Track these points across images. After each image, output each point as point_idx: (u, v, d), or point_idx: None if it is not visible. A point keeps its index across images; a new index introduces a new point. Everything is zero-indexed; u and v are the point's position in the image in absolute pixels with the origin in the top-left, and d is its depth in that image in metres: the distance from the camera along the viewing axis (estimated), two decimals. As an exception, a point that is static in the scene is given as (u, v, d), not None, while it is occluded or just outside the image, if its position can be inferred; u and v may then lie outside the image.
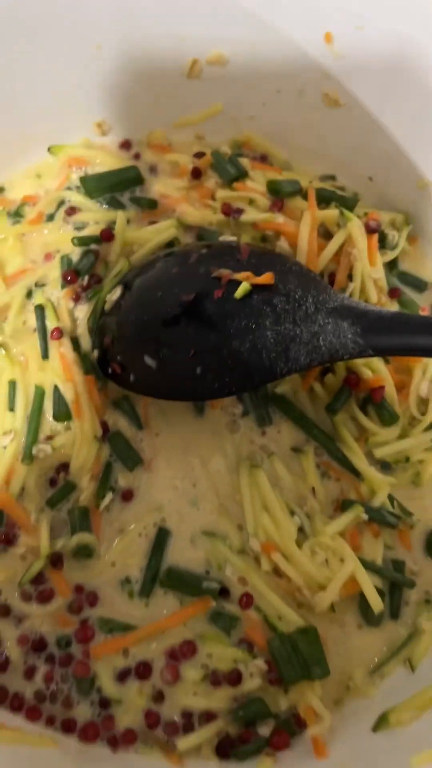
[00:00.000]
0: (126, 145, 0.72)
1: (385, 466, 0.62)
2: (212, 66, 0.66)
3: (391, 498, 0.60)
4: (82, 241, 0.64)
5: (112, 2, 0.60)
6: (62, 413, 0.59)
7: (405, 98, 0.62)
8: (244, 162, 0.68)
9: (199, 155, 0.70)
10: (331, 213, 0.64)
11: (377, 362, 0.62)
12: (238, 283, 0.55)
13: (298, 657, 0.54)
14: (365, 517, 0.58)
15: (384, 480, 0.60)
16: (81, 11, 0.60)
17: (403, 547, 0.61)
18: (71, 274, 0.63)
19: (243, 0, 0.60)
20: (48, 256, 0.66)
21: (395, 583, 0.59)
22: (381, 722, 0.50)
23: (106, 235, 0.64)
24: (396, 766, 0.43)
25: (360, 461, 0.61)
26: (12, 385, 0.60)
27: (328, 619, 0.57)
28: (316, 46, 0.61)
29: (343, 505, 0.60)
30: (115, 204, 0.68)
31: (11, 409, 0.59)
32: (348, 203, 0.67)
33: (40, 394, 0.60)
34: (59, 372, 0.60)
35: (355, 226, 0.63)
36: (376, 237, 0.65)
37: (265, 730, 0.53)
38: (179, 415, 0.62)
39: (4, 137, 0.66)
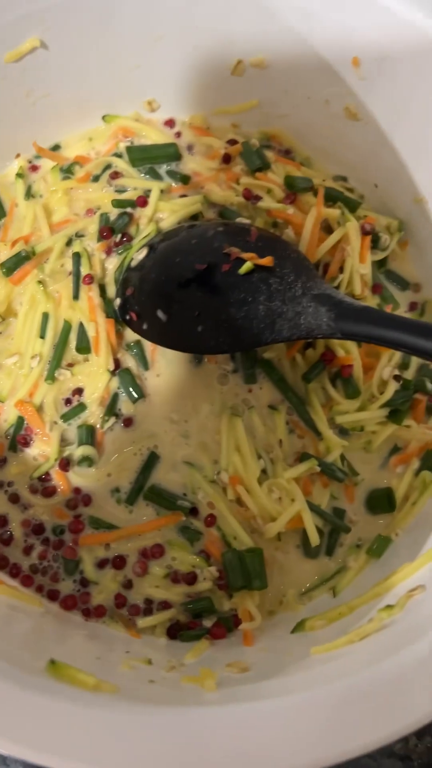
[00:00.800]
0: (170, 123, 0.82)
1: (342, 431, 0.73)
2: (254, 68, 0.75)
3: (342, 457, 0.72)
4: (119, 204, 0.75)
5: (178, 3, 0.69)
6: (83, 346, 0.71)
7: (414, 123, 0.72)
8: (269, 155, 0.78)
9: (232, 142, 0.80)
10: (335, 212, 0.75)
11: (351, 345, 0.73)
12: (243, 261, 0.66)
13: (243, 570, 0.66)
14: (318, 468, 0.70)
15: (339, 441, 0.71)
16: (151, 6, 0.69)
17: (347, 500, 0.73)
18: (107, 230, 0.74)
19: (288, 18, 0.69)
20: (89, 212, 0.76)
21: (334, 526, 0.71)
22: (297, 627, 0.63)
23: (141, 201, 0.75)
24: (300, 653, 0.55)
25: (322, 423, 0.72)
26: (45, 316, 0.71)
27: (274, 546, 0.69)
28: (344, 67, 0.71)
29: (301, 457, 0.71)
30: (153, 174, 0.78)
31: (42, 336, 0.71)
32: (352, 204, 0.77)
33: (67, 327, 0.71)
34: (86, 311, 0.71)
35: (352, 227, 0.74)
36: (369, 238, 0.75)
37: (208, 623, 0.66)
38: (180, 363, 0.73)
39: (67, 103, 0.76)
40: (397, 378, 0.74)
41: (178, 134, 0.82)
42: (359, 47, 0.69)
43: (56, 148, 0.80)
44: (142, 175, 0.78)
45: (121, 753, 0.43)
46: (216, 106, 0.80)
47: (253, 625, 0.64)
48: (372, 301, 0.76)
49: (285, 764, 0.43)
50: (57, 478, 0.69)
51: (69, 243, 0.74)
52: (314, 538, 0.67)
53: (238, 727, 0.45)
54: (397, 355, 0.75)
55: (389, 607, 0.56)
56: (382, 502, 0.72)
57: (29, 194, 0.77)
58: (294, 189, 0.76)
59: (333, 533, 0.71)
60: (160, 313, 0.69)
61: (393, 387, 0.73)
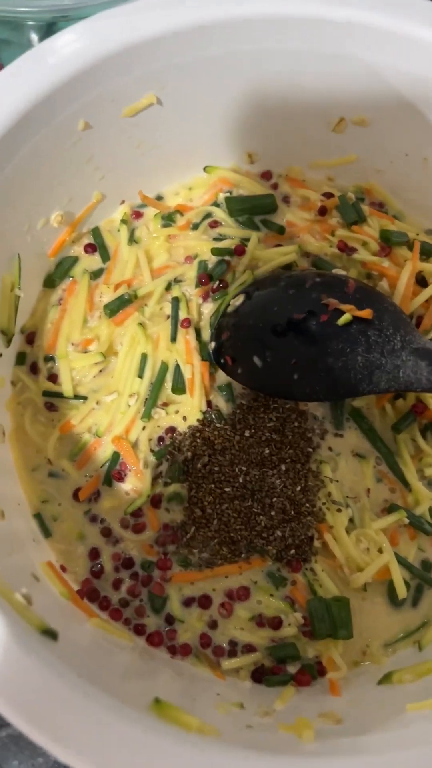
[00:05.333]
0: (267, 175, 0.85)
1: (431, 483, 0.74)
2: (355, 126, 0.78)
3: (431, 510, 0.72)
4: (218, 252, 0.78)
5: (287, 66, 0.72)
6: (179, 387, 0.73)
7: None
8: (365, 208, 0.81)
9: (328, 195, 0.82)
10: (430, 266, 0.76)
11: (444, 395, 0.73)
12: (341, 312, 0.67)
13: (329, 618, 0.66)
14: (406, 520, 0.70)
15: (428, 494, 0.72)
16: (262, 68, 0.72)
17: (434, 553, 0.73)
18: (205, 276, 0.77)
19: (392, 80, 0.71)
20: (188, 259, 0.79)
21: (422, 579, 0.70)
22: (385, 678, 0.62)
23: (239, 250, 0.77)
24: (394, 708, 0.55)
25: (411, 475, 0.72)
26: (143, 357, 0.74)
27: (361, 596, 0.69)
28: (445, 127, 0.73)
29: (389, 508, 0.72)
30: (250, 224, 0.81)
31: (140, 376, 0.74)
32: (449, 258, 0.79)
33: (164, 368, 0.74)
34: (182, 354, 0.74)
35: (448, 281, 0.75)
36: (462, 293, 0.76)
37: (292, 668, 0.66)
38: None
39: (173, 155, 0.79)
40: None
41: (275, 186, 0.85)
42: (462, 109, 0.70)
43: (159, 198, 0.84)
44: (240, 224, 0.81)
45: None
46: (313, 159, 0.83)
47: (340, 675, 0.64)
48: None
49: None
50: (148, 515, 0.71)
51: (168, 288, 0.77)
52: (401, 591, 0.67)
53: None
54: None
55: None
56: (471, 555, 0.72)
57: (132, 239, 0.80)
58: (389, 243, 0.77)
59: (419, 585, 0.70)
60: (256, 359, 0.71)
61: None
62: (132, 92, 0.70)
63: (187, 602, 0.69)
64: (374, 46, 0.69)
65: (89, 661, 0.53)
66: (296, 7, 0.66)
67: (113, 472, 0.72)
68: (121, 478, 0.72)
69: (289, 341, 0.70)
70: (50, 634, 0.51)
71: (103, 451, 0.73)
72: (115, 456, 0.72)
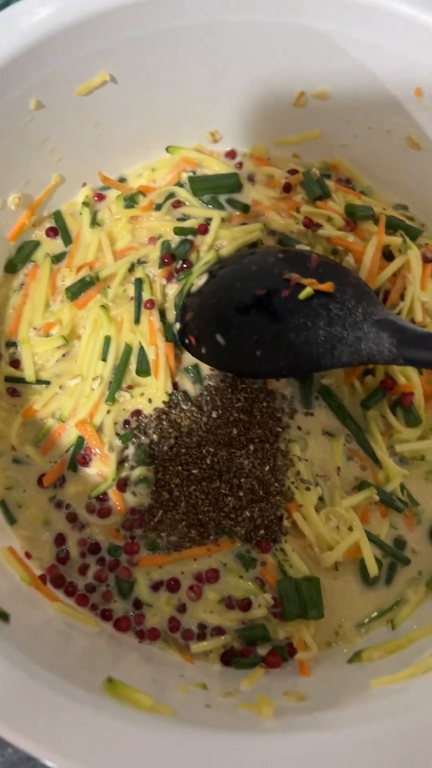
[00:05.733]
0: (231, 154, 0.84)
1: (402, 460, 0.72)
2: (316, 99, 0.76)
3: (402, 487, 0.71)
4: (181, 231, 0.76)
5: (243, 39, 0.71)
6: (143, 369, 0.72)
7: None
8: (330, 184, 0.79)
9: (293, 172, 0.81)
10: (396, 239, 0.75)
11: (412, 372, 0.72)
12: (303, 286, 0.66)
13: (300, 598, 0.65)
14: (377, 497, 0.69)
15: (399, 471, 0.71)
16: (218, 43, 0.71)
17: (407, 529, 0.71)
18: (168, 257, 0.76)
19: (355, 53, 0.70)
20: (152, 239, 0.78)
21: (393, 557, 0.69)
22: (354, 657, 0.61)
23: (203, 229, 0.76)
24: (359, 685, 0.54)
25: (382, 452, 0.71)
26: (107, 339, 0.73)
27: (332, 575, 0.68)
28: (407, 97, 0.71)
29: (360, 486, 0.70)
30: (215, 203, 0.80)
31: (103, 359, 0.73)
32: (412, 233, 0.77)
33: (128, 350, 0.73)
34: (146, 335, 0.73)
35: (414, 255, 0.74)
36: (430, 266, 0.75)
37: (262, 650, 0.65)
38: (237, 387, 0.74)
39: (133, 134, 0.78)
40: (459, 407, 0.72)
41: (240, 165, 0.83)
42: (422, 79, 0.69)
43: (122, 180, 0.83)
44: (204, 204, 0.80)
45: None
46: (277, 137, 0.82)
47: (309, 655, 0.63)
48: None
49: None
50: (114, 499, 0.69)
51: (131, 269, 0.76)
52: (373, 568, 0.66)
53: (295, 757, 0.44)
54: (461, 384, 0.74)
55: (452, 639, 0.54)
56: (444, 533, 0.70)
57: (94, 222, 0.79)
58: (355, 217, 0.76)
59: (392, 564, 0.69)
60: (219, 338, 0.69)
61: (455, 416, 0.72)
62: (84, 70, 0.69)
63: (155, 586, 0.67)
64: (330, 16, 0.68)
65: (42, 644, 0.52)
66: (246, -24, 0.65)
67: (78, 457, 0.71)
68: (86, 463, 0.71)
69: (251, 318, 0.68)
70: (2, 615, 0.50)
71: (68, 436, 0.72)
72: (80, 440, 0.71)
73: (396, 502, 0.70)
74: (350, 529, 0.68)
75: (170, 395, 0.72)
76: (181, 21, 0.68)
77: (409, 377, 0.71)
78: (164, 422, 0.71)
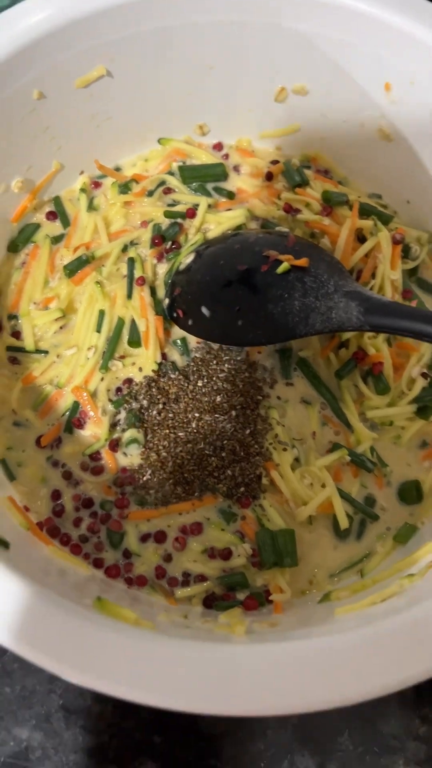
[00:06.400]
0: (218, 146, 0.90)
1: (373, 426, 0.78)
2: (296, 94, 0.83)
3: (372, 450, 0.77)
4: (171, 215, 0.83)
5: (229, 38, 0.78)
6: (135, 341, 0.78)
7: (442, 142, 0.78)
8: (308, 173, 0.86)
9: (274, 162, 0.87)
10: (368, 223, 0.81)
11: (381, 344, 0.78)
12: (281, 262, 0.72)
13: (275, 548, 0.70)
14: (348, 458, 0.75)
15: (369, 434, 0.76)
16: (203, 40, 0.78)
17: (377, 488, 0.77)
18: (159, 238, 0.82)
19: (327, 49, 0.77)
20: (144, 223, 0.84)
21: (363, 513, 0.75)
22: (324, 598, 0.67)
23: (191, 213, 0.82)
24: (326, 614, 0.60)
25: (354, 417, 0.77)
26: (101, 313, 0.79)
27: (307, 529, 0.74)
28: (378, 91, 0.78)
29: (332, 448, 0.76)
30: (202, 191, 0.86)
31: (98, 331, 0.78)
32: (384, 218, 0.84)
33: (120, 323, 0.79)
34: (138, 309, 0.79)
35: (384, 236, 0.80)
36: (399, 247, 0.81)
37: (241, 595, 0.70)
38: (221, 359, 0.80)
39: (127, 126, 0.85)
40: (424, 375, 0.78)
41: (226, 156, 0.90)
42: (390, 73, 0.76)
43: (118, 169, 0.89)
44: (192, 191, 0.86)
45: (156, 678, 0.48)
46: (261, 131, 0.88)
47: (283, 597, 0.68)
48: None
49: (308, 699, 0.47)
50: (106, 458, 0.75)
51: (125, 250, 0.82)
52: (343, 521, 0.72)
53: (264, 661, 0.49)
54: (426, 356, 0.80)
55: (410, 575, 0.60)
56: (411, 493, 0.76)
57: (91, 207, 0.85)
58: (331, 203, 0.83)
59: (363, 520, 0.75)
60: (204, 310, 0.75)
61: (420, 384, 0.78)
62: (83, 64, 0.75)
63: (144, 538, 0.73)
64: (306, 17, 0.75)
65: (40, 571, 0.57)
66: (229, -20, 0.71)
67: (73, 420, 0.76)
68: (80, 426, 0.77)
69: (233, 291, 0.74)
70: (2, 543, 0.56)
71: (64, 401, 0.77)
72: (75, 405, 0.77)
73: (366, 462, 0.76)
74: (323, 486, 0.74)
75: (159, 365, 0.78)
76: (171, 21, 0.75)
77: (379, 348, 0.77)
78: (153, 389, 0.77)
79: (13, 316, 0.81)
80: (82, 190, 0.86)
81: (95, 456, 0.76)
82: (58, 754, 0.70)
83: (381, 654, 0.49)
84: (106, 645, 0.49)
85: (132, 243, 0.83)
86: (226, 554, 0.72)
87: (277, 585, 0.70)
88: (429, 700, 0.74)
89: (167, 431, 0.76)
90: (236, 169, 0.89)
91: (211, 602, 0.70)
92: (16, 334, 0.80)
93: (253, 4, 0.74)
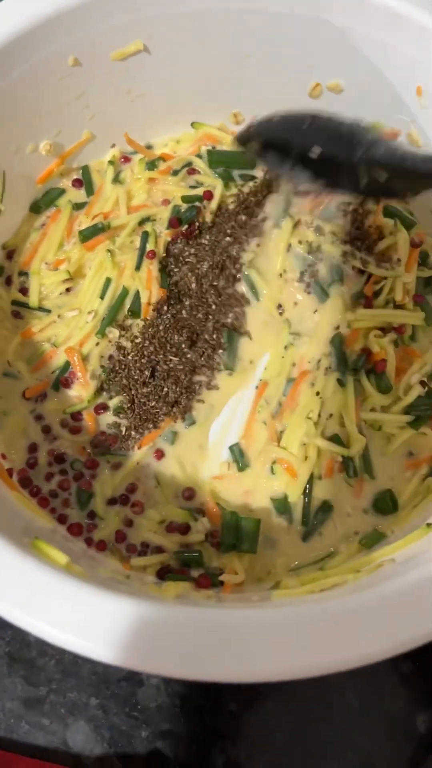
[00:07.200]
0: (251, 137, 0.91)
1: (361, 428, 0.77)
2: (330, 92, 0.83)
3: (366, 456, 0.75)
4: (188, 200, 0.83)
5: (267, 27, 0.78)
6: (136, 311, 0.79)
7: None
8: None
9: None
10: (388, 221, 0.81)
11: (388, 344, 0.76)
12: None
13: (237, 531, 0.70)
14: (340, 458, 0.74)
15: (361, 438, 0.74)
16: (242, 27, 0.79)
17: (353, 496, 0.75)
18: (176, 220, 0.83)
19: (365, 48, 0.77)
20: (165, 201, 0.85)
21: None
22: (274, 585, 0.66)
23: (208, 195, 0.83)
24: (263, 598, 0.59)
25: (349, 419, 0.74)
26: (108, 280, 0.80)
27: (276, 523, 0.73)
28: (410, 96, 0.77)
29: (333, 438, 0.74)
30: (227, 176, 0.87)
31: (102, 297, 0.80)
32: (406, 222, 0.83)
33: (124, 293, 0.80)
34: (144, 281, 0.80)
35: (402, 236, 0.79)
36: (417, 251, 0.80)
37: (195, 573, 0.70)
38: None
39: (161, 105, 0.86)
40: (423, 384, 0.77)
41: (257, 147, 0.90)
42: (423, 78, 0.75)
43: (149, 147, 0.91)
44: (216, 176, 0.87)
45: (81, 621, 0.48)
46: (294, 125, 0.88)
47: (235, 579, 0.68)
48: (413, 312, 0.80)
49: (228, 670, 0.47)
50: (87, 420, 0.76)
51: (141, 223, 0.84)
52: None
53: (185, 624, 0.48)
54: (429, 365, 0.78)
55: (357, 572, 0.59)
56: (386, 503, 0.74)
57: (117, 180, 0.87)
58: (353, 200, 0.82)
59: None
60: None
61: (417, 391, 0.76)
62: (120, 37, 0.77)
63: (110, 502, 0.74)
64: (346, 12, 0.75)
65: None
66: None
67: (62, 379, 0.78)
68: (68, 385, 0.78)
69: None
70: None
71: (57, 360, 0.79)
72: (66, 365, 0.78)
73: (350, 468, 0.74)
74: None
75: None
76: (213, 3, 0.76)
77: (383, 347, 0.76)
78: (143, 359, 0.78)
79: (23, 273, 0.83)
80: (111, 162, 0.88)
81: (76, 416, 0.77)
82: (-5, 698, 0.71)
83: (292, 636, 0.48)
84: (39, 587, 0.50)
85: (149, 219, 0.84)
86: (184, 528, 0.72)
87: (233, 568, 0.70)
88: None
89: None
90: (264, 159, 0.89)
91: (164, 573, 0.70)
92: (24, 291, 0.82)
93: (294, -4, 0.75)
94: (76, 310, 0.81)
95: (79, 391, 0.78)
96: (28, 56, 0.73)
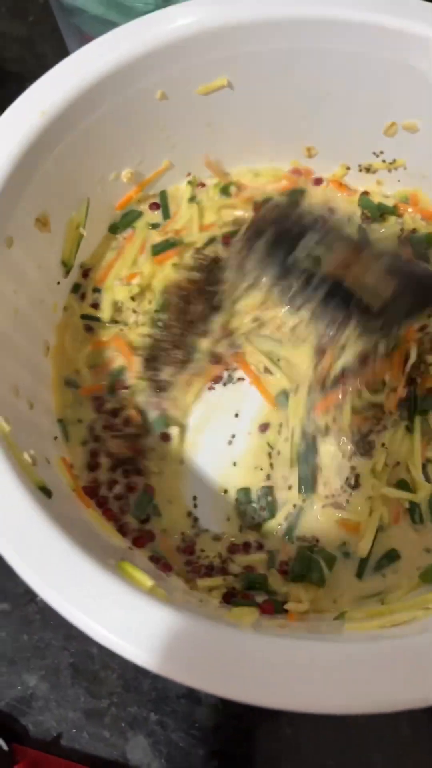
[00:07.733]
0: (318, 181, 0.94)
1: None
2: (405, 131, 0.85)
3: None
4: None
5: (349, 68, 0.81)
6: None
7: None
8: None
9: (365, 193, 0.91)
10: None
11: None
12: None
13: (311, 563, 0.72)
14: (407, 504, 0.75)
15: (427, 486, 0.76)
16: (324, 67, 0.81)
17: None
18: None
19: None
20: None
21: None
22: (339, 616, 0.67)
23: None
24: (334, 629, 0.60)
25: (414, 466, 0.76)
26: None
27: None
28: None
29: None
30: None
31: (157, 310, 0.84)
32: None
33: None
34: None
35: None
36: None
37: (259, 598, 0.72)
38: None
39: (239, 138, 0.88)
40: None
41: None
42: None
43: (226, 174, 0.94)
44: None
45: (159, 642, 0.50)
46: (364, 161, 0.91)
47: (300, 608, 0.69)
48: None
49: (308, 698, 0.49)
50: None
51: (210, 243, 0.87)
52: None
53: (267, 651, 0.50)
54: None
55: (427, 608, 0.60)
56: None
57: (192, 200, 0.90)
58: (411, 241, 0.85)
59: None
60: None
61: None
62: (207, 73, 0.80)
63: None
64: (429, 58, 0.77)
65: (75, 526, 0.61)
66: (358, 13, 0.75)
67: (117, 381, 0.82)
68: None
69: None
70: (45, 491, 0.60)
71: (115, 364, 0.83)
72: (121, 368, 0.82)
73: (416, 514, 0.75)
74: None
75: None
76: (298, 44, 0.78)
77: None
78: None
79: (97, 290, 0.86)
80: (189, 182, 0.91)
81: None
82: (59, 708, 0.74)
83: (380, 672, 0.50)
84: (123, 606, 0.52)
85: (215, 240, 0.87)
86: (246, 547, 0.74)
87: (298, 596, 0.71)
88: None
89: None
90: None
91: (229, 597, 0.71)
92: (96, 306, 0.85)
93: (380, 39, 0.77)
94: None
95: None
96: (119, 91, 0.75)
